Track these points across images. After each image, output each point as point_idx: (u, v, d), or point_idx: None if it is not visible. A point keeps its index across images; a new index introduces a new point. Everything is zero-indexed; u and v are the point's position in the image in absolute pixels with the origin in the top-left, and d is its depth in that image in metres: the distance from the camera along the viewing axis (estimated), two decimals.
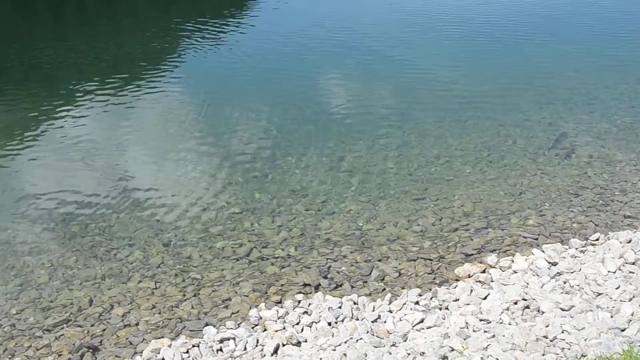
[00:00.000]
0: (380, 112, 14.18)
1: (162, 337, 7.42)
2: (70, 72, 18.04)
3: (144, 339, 7.46)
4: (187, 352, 7.00)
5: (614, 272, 7.90)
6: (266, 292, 8.20)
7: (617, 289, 7.48)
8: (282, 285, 8.34)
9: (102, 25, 24.70)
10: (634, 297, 7.26)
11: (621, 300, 7.21)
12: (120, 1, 29.71)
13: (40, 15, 27.34)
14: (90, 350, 7.31)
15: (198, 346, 7.07)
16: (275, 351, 6.85)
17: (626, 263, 8.09)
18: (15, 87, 16.93)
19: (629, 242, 8.64)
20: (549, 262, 8.25)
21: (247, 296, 8.15)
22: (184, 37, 21.85)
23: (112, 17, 25.99)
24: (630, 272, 7.87)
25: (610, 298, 7.33)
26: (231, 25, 23.24)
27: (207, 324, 7.57)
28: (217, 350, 7.00)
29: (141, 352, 7.15)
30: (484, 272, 8.30)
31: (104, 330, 7.69)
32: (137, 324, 7.76)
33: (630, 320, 6.74)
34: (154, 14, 27.47)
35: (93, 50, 20.03)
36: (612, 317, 6.90)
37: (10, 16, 27.20)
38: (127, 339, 7.51)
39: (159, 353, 7.00)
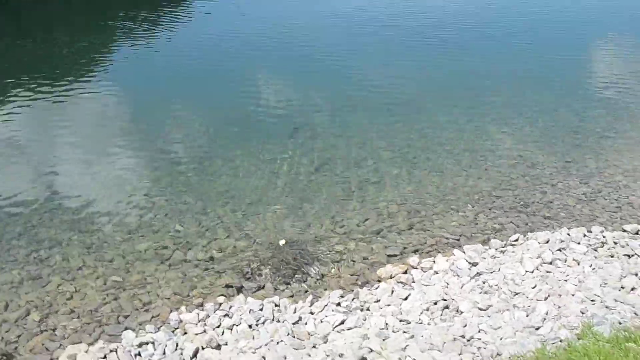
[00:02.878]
0: (309, 113, 14.21)
1: (80, 342, 7.27)
2: (0, 73, 17.55)
3: (60, 345, 7.29)
4: (105, 357, 6.86)
5: (532, 272, 8.09)
6: (188, 295, 8.13)
7: (533, 288, 7.66)
8: (204, 287, 8.28)
9: (32, 22, 24.10)
10: (549, 296, 7.44)
11: (537, 300, 7.39)
12: (53, 3, 29.04)
13: None
14: (5, 357, 7.10)
15: (116, 351, 6.93)
16: (195, 355, 6.78)
17: (544, 263, 8.29)
18: None
19: (547, 242, 8.86)
20: (470, 263, 8.40)
21: (168, 299, 8.06)
22: (117, 35, 21.55)
23: (41, 16, 25.35)
24: (547, 272, 8.07)
25: (527, 297, 7.50)
26: (165, 22, 23.00)
27: (126, 328, 7.44)
28: (136, 355, 6.88)
29: (57, 358, 6.98)
30: (405, 272, 8.39)
31: (20, 336, 7.49)
32: (54, 329, 7.58)
33: (545, 319, 6.92)
34: (87, 9, 26.95)
35: (22, 48, 19.55)
36: (527, 316, 7.06)
37: None
38: (43, 344, 7.32)
39: (75, 359, 6.84)
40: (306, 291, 8.15)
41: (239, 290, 8.18)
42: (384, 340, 6.77)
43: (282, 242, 9.22)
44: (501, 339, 6.64)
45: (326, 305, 7.63)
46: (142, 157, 12.21)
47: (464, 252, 8.72)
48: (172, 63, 18.24)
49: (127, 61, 18.86)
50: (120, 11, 25.10)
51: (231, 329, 7.28)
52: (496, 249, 8.85)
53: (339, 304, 7.66)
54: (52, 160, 12.07)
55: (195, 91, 15.94)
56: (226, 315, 7.53)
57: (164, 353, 6.86)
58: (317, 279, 8.41)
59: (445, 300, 7.56)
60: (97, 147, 12.54)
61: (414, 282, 8.12)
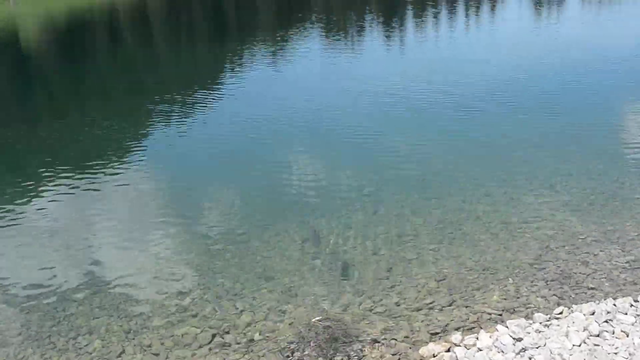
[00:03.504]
0: (343, 191, 14.20)
1: None
2: (37, 157, 17.96)
3: None
4: None
5: (579, 346, 7.88)
6: None
7: None
8: None
9: (69, 108, 24.76)
10: None
11: None
12: (85, 85, 29.90)
13: (8, 101, 27.40)
14: None
15: None
16: None
17: (590, 336, 8.08)
18: None
19: (593, 314, 8.65)
20: (514, 338, 8.21)
21: None
22: (151, 117, 21.94)
23: (79, 101, 26.08)
24: (595, 345, 7.86)
25: None
26: (198, 105, 23.42)
27: None
28: None
29: None
30: (448, 351, 8.22)
31: None
32: None
33: None
34: (121, 92, 27.70)
35: (60, 134, 20.02)
36: None
37: None
38: None
39: None
40: None
41: None
42: None
43: (316, 318, 9.12)
44: None
45: None
46: (178, 240, 12.29)
47: (507, 327, 8.54)
48: (205, 145, 18.48)
49: (161, 143, 19.17)
50: (154, 94, 25.71)
51: None
52: (540, 323, 8.64)
53: None
54: (88, 246, 12.21)
55: (228, 173, 16.13)
56: None
57: None
58: (359, 359, 8.26)
59: None
60: (133, 232, 12.67)
61: None
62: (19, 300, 10.28)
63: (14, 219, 13.43)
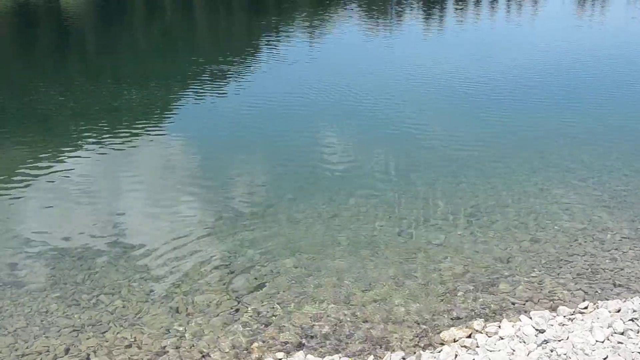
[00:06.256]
0: (374, 171, 14.12)
1: None
2: (69, 117, 18.19)
3: None
4: None
5: (602, 342, 7.76)
6: (246, 349, 8.03)
7: (604, 359, 7.34)
8: (264, 342, 8.17)
9: (104, 72, 24.96)
10: None
11: None
12: (122, 50, 30.05)
13: (42, 60, 27.65)
14: None
15: None
16: None
17: (615, 333, 7.95)
18: (12, 130, 17.11)
19: (618, 311, 8.52)
20: (537, 329, 8.11)
21: (227, 352, 7.97)
22: (184, 87, 22.02)
23: (114, 65, 26.27)
24: (619, 343, 7.73)
25: None
26: (233, 75, 23.46)
27: None
28: None
29: None
30: (469, 336, 8.15)
31: None
32: None
33: None
34: (155, 58, 27.83)
35: (93, 97, 20.19)
36: None
37: (11, 61, 27.52)
38: None
39: None
40: (367, 351, 7.97)
41: (299, 346, 8.06)
42: None
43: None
44: None
45: None
46: (205, 208, 12.32)
47: (530, 318, 8.44)
48: (236, 116, 18.53)
49: (192, 111, 19.30)
50: (189, 62, 25.75)
51: None
52: (564, 316, 8.53)
53: None
54: (116, 207, 12.30)
55: (258, 145, 16.09)
56: None
57: None
58: (378, 340, 8.22)
59: None
60: (162, 196, 12.74)
61: (478, 347, 7.87)
62: (46, 256, 10.38)
63: (44, 178, 13.55)
